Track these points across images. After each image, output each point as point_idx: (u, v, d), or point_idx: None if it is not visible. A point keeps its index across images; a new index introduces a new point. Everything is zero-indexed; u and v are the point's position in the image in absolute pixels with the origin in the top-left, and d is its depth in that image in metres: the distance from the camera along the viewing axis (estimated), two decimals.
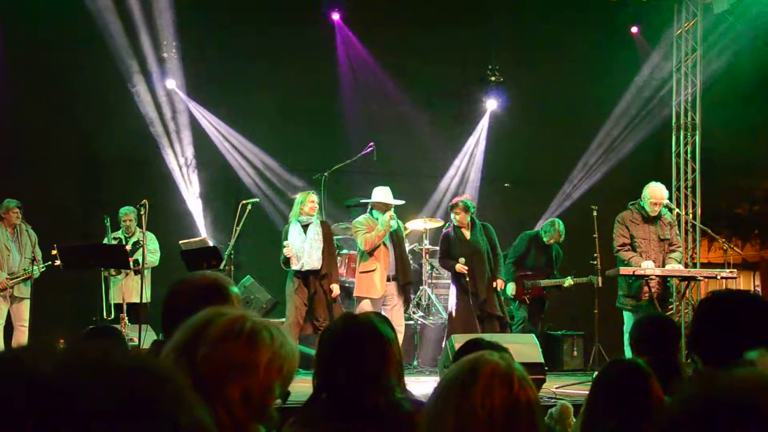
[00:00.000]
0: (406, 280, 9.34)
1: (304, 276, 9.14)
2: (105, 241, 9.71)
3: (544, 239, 10.41)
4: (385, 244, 9.21)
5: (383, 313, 8.98)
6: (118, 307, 9.42)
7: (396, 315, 9.17)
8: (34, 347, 1.02)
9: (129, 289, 9.62)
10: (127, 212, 10.03)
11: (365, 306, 9.04)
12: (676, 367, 4.04)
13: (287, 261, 9.17)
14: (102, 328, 4.04)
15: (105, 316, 9.49)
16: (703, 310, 3.29)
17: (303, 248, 9.08)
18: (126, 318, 8.88)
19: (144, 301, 9.62)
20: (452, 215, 9.66)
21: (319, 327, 9.01)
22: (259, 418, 1.87)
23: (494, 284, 9.49)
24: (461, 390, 1.88)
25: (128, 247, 9.55)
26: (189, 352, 1.87)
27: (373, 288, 9.12)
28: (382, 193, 9.30)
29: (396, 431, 2.48)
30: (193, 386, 1.75)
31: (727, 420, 1.10)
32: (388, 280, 9.19)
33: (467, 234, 9.61)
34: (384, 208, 9.20)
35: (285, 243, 9.12)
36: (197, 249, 9.33)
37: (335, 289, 9.35)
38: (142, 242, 9.43)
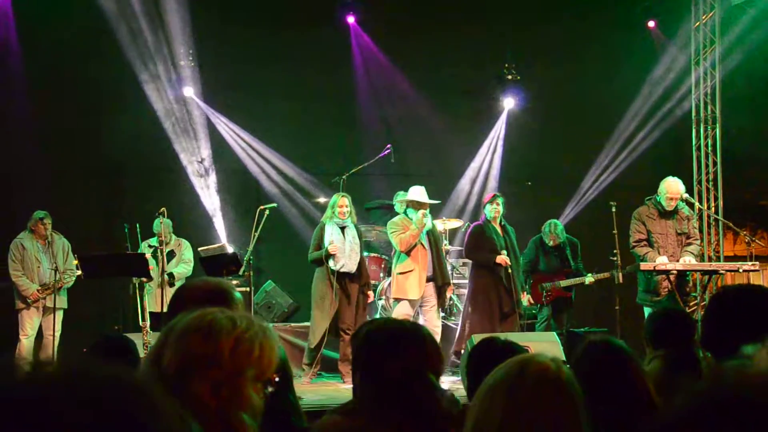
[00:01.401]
0: (444, 281, 9.28)
1: (339, 277, 9.09)
2: (139, 249, 9.71)
3: (547, 241, 10.35)
4: (422, 245, 9.15)
5: (421, 313, 9.27)
6: (153, 315, 9.38)
7: (433, 316, 9.20)
8: (6, 360, 1.03)
9: (157, 297, 9.61)
10: (158, 229, 9.88)
11: (402, 308, 8.99)
12: (695, 361, 3.97)
13: (321, 259, 9.09)
14: (112, 338, 4.05)
15: (142, 323, 9.47)
16: (712, 305, 3.30)
17: (344, 250, 9.07)
18: (148, 326, 8.93)
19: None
20: (490, 206, 9.63)
21: (346, 331, 8.99)
22: (237, 406, 1.88)
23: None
24: (508, 392, 1.88)
25: (147, 256, 9.54)
26: (158, 358, 1.90)
27: (411, 289, 9.04)
28: (416, 192, 9.25)
29: (443, 426, 2.48)
30: (166, 390, 1.80)
31: (734, 418, 1.09)
32: (427, 281, 9.14)
33: (500, 231, 9.63)
34: (418, 206, 9.13)
35: (330, 240, 9.04)
36: (216, 255, 9.42)
37: (371, 295, 9.45)
38: (175, 252, 9.79)
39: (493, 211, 9.62)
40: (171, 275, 9.69)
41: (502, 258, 9.37)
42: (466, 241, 9.89)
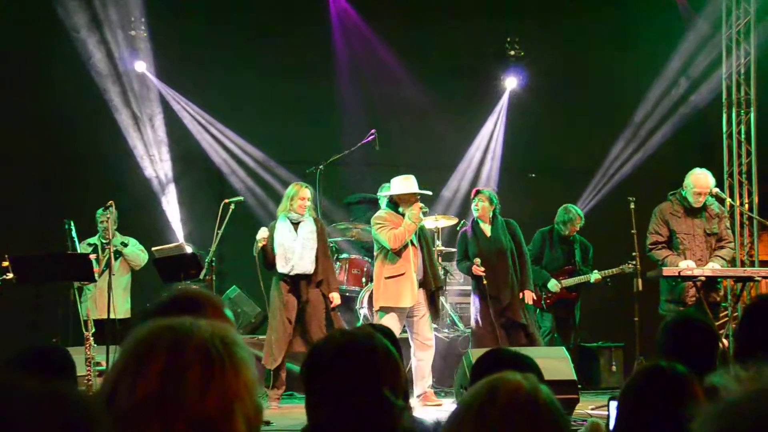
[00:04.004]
0: (437, 286, 9.20)
1: (294, 281, 9.02)
2: (78, 249, 9.57)
3: (563, 231, 10.34)
4: (413, 244, 9.02)
5: (410, 325, 9.14)
6: (96, 323, 9.30)
7: (425, 327, 9.09)
8: None
9: (104, 303, 9.42)
10: (104, 213, 9.92)
11: (389, 319, 8.78)
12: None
13: (265, 259, 9.03)
14: (43, 349, 3.95)
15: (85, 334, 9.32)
16: (747, 316, 3.26)
17: (293, 248, 8.96)
18: (92, 338, 8.79)
19: (120, 316, 9.61)
20: (474, 203, 9.69)
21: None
22: None
23: (521, 294, 9.48)
24: (477, 415, 1.88)
25: (92, 255, 9.46)
26: None
27: (404, 296, 8.88)
28: (403, 184, 9.12)
29: None
30: None
31: None
32: (418, 286, 9.03)
33: (487, 231, 9.61)
34: (409, 199, 9.02)
35: (263, 236, 8.99)
36: (173, 256, 9.31)
37: (336, 298, 9.23)
38: (118, 249, 9.88)
39: (477, 210, 9.68)
40: (124, 244, 10.03)
41: (475, 267, 9.40)
42: (456, 251, 9.97)
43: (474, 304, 9.59)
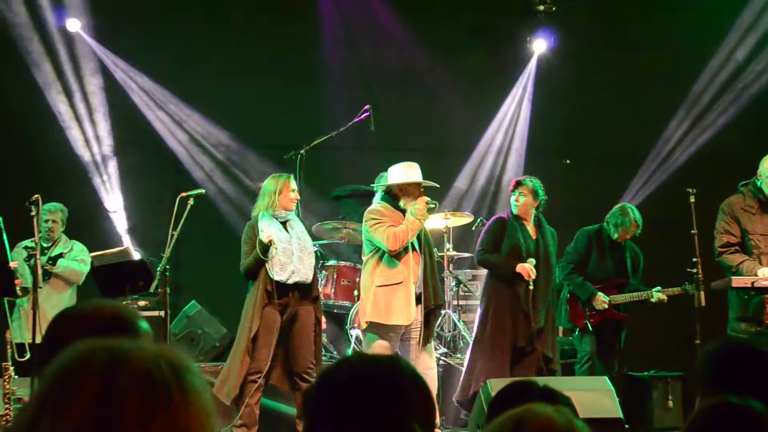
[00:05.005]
0: (437, 303, 9.00)
1: (283, 293, 8.76)
2: (10, 257, 9.58)
3: (614, 235, 10.12)
4: (414, 248, 8.83)
5: (405, 350, 8.90)
6: (20, 347, 9.31)
7: (424, 353, 8.88)
8: None
9: (28, 322, 9.35)
10: (52, 209, 10.03)
11: (380, 344, 8.68)
12: None
13: (257, 266, 8.72)
14: None
15: (18, 358, 9.23)
16: None
17: (291, 251, 8.76)
18: (11, 369, 8.59)
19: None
20: (514, 197, 9.60)
21: (304, 375, 8.70)
22: None
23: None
24: None
25: (14, 265, 9.32)
26: None
27: (399, 310, 8.66)
28: (407, 172, 8.93)
29: None
30: None
31: None
32: (417, 301, 8.82)
33: (533, 232, 9.47)
34: (413, 192, 8.84)
35: (261, 228, 8.70)
36: (116, 264, 9.28)
37: (323, 322, 9.28)
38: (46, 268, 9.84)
39: (516, 205, 9.57)
40: (52, 259, 10.05)
41: (525, 267, 9.22)
42: (480, 239, 9.78)
43: (489, 315, 9.46)
